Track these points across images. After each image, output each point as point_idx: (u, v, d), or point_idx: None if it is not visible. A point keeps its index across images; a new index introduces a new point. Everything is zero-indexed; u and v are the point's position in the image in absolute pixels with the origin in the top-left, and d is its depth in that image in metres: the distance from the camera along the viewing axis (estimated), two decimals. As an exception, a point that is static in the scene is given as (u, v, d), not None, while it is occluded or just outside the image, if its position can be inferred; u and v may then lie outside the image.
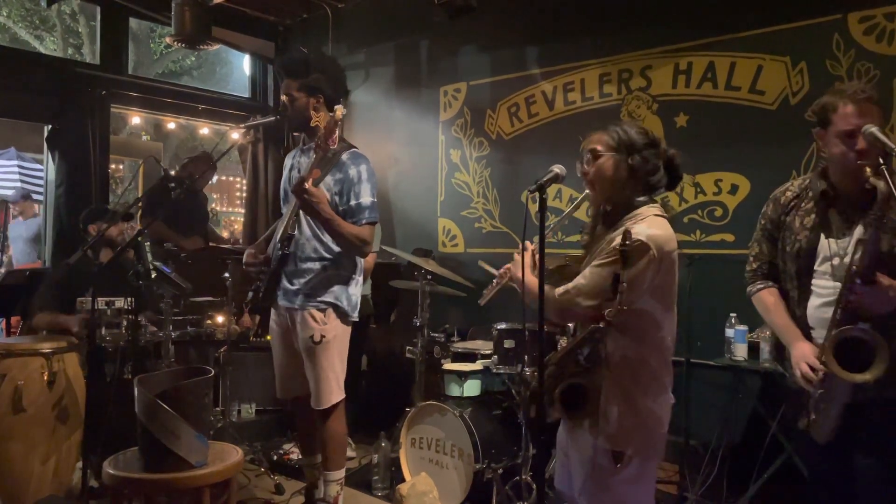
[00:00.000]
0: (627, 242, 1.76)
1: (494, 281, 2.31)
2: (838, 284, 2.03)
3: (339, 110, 2.75)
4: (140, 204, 5.25)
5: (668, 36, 4.03)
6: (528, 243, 2.13)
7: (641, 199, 1.99)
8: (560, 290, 1.96)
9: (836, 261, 2.07)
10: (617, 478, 1.96)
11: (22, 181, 8.69)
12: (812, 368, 2.03)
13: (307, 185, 2.66)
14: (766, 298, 2.27)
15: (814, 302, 2.13)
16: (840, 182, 2.11)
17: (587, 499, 2.03)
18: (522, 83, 4.67)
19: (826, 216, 2.13)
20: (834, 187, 2.12)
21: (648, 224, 1.93)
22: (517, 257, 2.14)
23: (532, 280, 2.05)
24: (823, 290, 2.11)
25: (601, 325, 1.82)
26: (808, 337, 2.13)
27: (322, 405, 2.91)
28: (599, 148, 2.02)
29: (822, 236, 2.12)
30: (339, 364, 2.96)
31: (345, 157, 2.88)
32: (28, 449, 3.05)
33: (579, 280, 1.95)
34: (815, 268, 2.12)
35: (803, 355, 2.07)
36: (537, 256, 1.99)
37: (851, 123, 2.02)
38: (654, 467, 2.07)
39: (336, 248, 2.92)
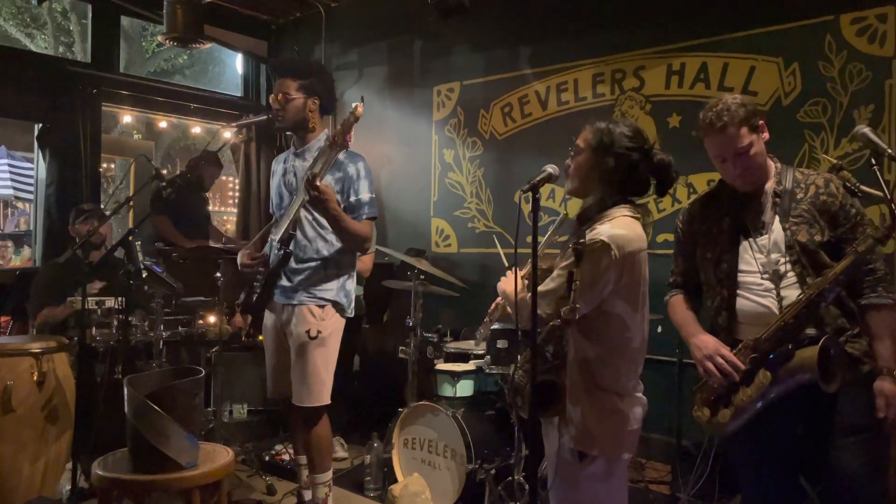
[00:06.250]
0: (581, 241, 1.79)
1: (486, 319, 2.36)
2: (766, 282, 2.09)
3: (359, 107, 2.71)
4: (131, 203, 5.22)
5: (662, 36, 4.04)
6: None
7: (614, 199, 2.00)
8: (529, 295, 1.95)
9: (758, 257, 2.11)
10: (583, 474, 1.97)
11: (12, 180, 8.65)
12: (734, 367, 2.06)
13: (318, 183, 2.66)
14: (673, 301, 2.35)
15: (742, 301, 2.15)
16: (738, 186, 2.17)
17: (555, 494, 2.05)
18: (516, 83, 4.67)
19: (740, 218, 2.17)
20: (735, 190, 2.17)
21: (613, 224, 1.93)
22: (509, 274, 2.14)
23: (520, 293, 2.07)
24: (755, 287, 2.13)
25: (558, 323, 1.83)
26: (733, 338, 2.15)
27: (307, 402, 2.89)
28: (581, 144, 2.05)
29: (741, 238, 2.16)
30: (331, 364, 2.95)
31: (342, 156, 2.88)
32: (17, 450, 3.02)
33: (547, 284, 1.95)
34: (740, 268, 2.15)
35: (715, 349, 2.10)
36: (526, 280, 2.00)
37: (711, 153, 2.13)
38: (625, 463, 2.07)
39: (336, 246, 2.94)
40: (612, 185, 1.99)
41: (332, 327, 2.94)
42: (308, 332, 2.87)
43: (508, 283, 2.12)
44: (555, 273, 1.99)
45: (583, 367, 1.95)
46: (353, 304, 3.04)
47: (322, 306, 2.91)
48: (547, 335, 1.92)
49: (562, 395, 1.92)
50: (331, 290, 2.94)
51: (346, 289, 3.00)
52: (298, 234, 2.90)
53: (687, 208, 2.35)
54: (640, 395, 2.04)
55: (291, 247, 2.88)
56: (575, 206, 2.17)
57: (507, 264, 2.43)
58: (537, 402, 1.89)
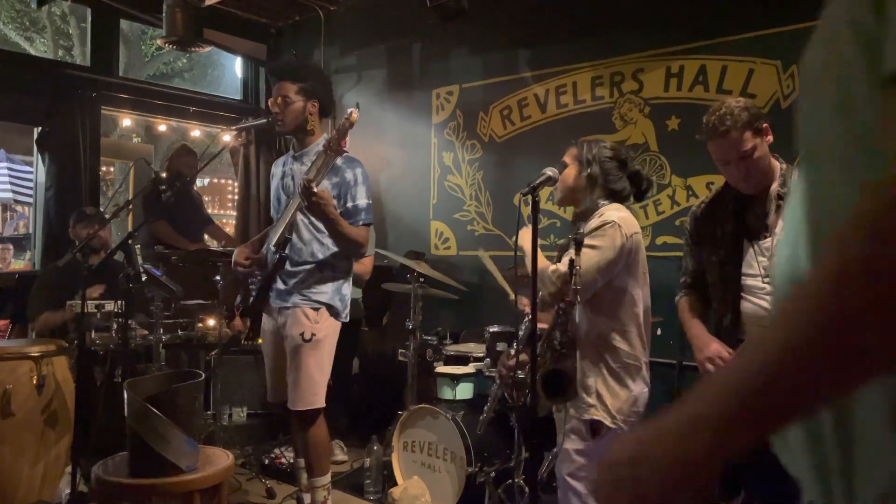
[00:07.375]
0: (580, 232, 2.06)
1: (491, 395, 2.66)
2: (767, 286, 2.13)
3: (354, 113, 2.72)
4: (131, 206, 5.23)
5: (660, 39, 4.04)
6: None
7: (604, 201, 2.25)
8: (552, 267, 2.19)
9: (761, 259, 2.16)
10: (597, 448, 2.14)
11: (11, 183, 8.65)
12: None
13: (315, 188, 2.66)
14: (681, 303, 2.44)
15: (746, 303, 2.19)
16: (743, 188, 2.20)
17: (564, 468, 2.20)
18: (515, 86, 4.67)
19: (743, 221, 2.21)
20: (740, 193, 2.21)
21: (613, 209, 2.23)
22: (525, 231, 2.30)
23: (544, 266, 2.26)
24: (757, 290, 2.16)
25: (563, 307, 2.01)
26: (738, 339, 2.20)
27: (301, 406, 2.88)
28: (567, 160, 2.31)
29: (745, 241, 2.20)
30: (326, 367, 2.94)
31: (339, 161, 2.89)
32: (17, 453, 3.02)
33: (560, 267, 2.17)
34: (744, 271, 2.19)
35: (716, 352, 2.17)
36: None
37: (714, 157, 2.18)
38: None
39: (331, 250, 2.93)
40: (599, 190, 2.25)
41: (327, 330, 2.93)
42: (302, 334, 2.87)
43: (525, 238, 2.29)
44: (564, 258, 2.15)
45: (597, 343, 2.16)
46: (348, 309, 3.03)
47: (316, 309, 2.90)
48: (554, 323, 2.06)
49: (571, 380, 2.02)
50: (325, 292, 2.93)
51: (341, 293, 2.99)
52: (294, 237, 2.90)
53: (694, 210, 2.39)
54: (645, 374, 2.22)
55: (287, 250, 2.88)
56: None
57: (497, 276, 2.74)
58: (548, 393, 2.04)
